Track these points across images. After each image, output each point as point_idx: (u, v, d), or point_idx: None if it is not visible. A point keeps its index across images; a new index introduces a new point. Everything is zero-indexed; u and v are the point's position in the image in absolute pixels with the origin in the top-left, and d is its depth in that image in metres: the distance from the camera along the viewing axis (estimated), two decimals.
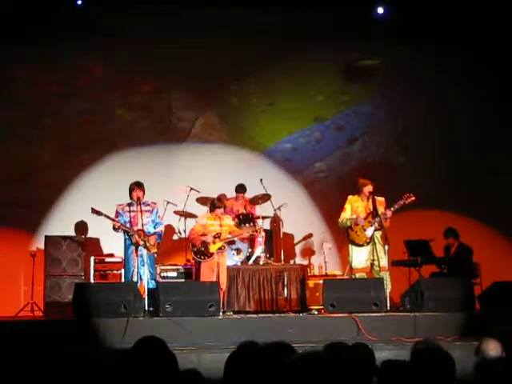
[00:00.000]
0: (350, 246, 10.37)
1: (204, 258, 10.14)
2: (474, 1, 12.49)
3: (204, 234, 10.19)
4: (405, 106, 13.41)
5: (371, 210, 10.18)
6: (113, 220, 9.68)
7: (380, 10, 12.95)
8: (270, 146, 13.22)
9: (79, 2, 12.18)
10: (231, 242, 10.72)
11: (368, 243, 10.17)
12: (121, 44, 12.51)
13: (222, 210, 10.38)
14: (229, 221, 10.55)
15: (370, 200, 10.21)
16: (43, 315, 10.76)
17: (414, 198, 10.08)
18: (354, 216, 10.23)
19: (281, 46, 12.73)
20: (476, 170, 13.09)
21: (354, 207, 10.29)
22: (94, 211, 9.59)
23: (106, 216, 9.63)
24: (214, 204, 10.36)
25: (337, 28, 12.66)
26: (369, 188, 10.23)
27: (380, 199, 10.30)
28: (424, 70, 13.22)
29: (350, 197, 10.41)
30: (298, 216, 12.68)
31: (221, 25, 12.50)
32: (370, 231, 10.15)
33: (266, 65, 12.97)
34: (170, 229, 11.80)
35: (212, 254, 10.13)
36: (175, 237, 11.95)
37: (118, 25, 12.41)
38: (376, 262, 10.13)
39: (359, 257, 10.24)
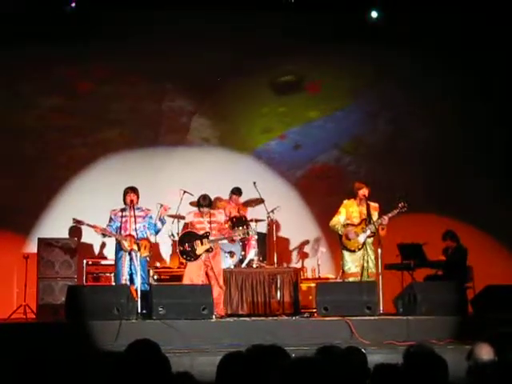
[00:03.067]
0: (342, 250, 10.36)
1: (190, 260, 10.01)
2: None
3: (194, 231, 10.03)
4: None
5: (366, 215, 10.15)
6: (93, 227, 9.68)
7: (374, 15, 12.90)
8: (259, 147, 13.29)
9: (73, 5, 12.14)
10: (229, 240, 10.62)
11: (360, 249, 10.15)
12: (113, 46, 12.51)
13: (207, 209, 10.04)
14: (220, 216, 10.25)
15: (365, 205, 10.18)
16: (36, 318, 10.73)
17: (405, 206, 10.10)
18: (348, 221, 10.22)
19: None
20: (468, 173, 13.12)
21: (349, 212, 10.26)
22: (76, 221, 9.67)
23: (87, 225, 9.67)
24: (199, 203, 10.09)
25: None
26: (363, 191, 10.20)
27: (374, 205, 10.27)
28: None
29: (345, 201, 10.37)
30: (290, 219, 12.70)
31: (213, 27, 12.56)
32: (362, 237, 10.13)
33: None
34: (163, 232, 11.80)
35: (198, 256, 9.96)
36: (168, 240, 11.93)
37: (112, 26, 12.41)
38: (366, 268, 10.15)
39: (350, 262, 10.24)
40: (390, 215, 10.10)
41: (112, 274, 10.83)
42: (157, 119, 13.03)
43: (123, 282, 9.63)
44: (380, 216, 10.13)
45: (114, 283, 10.25)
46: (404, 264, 11.28)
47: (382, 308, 9.95)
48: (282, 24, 12.70)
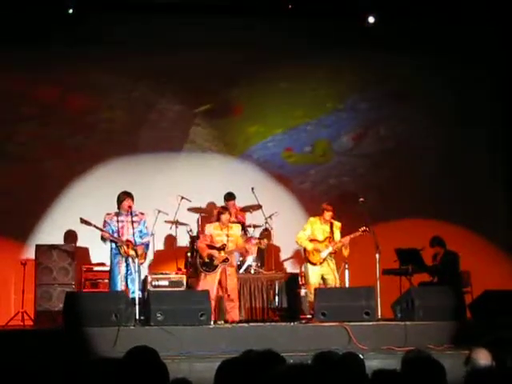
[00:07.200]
0: (305, 263, 10.66)
1: (209, 271, 10.05)
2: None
3: (212, 243, 10.13)
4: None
5: (329, 233, 10.56)
6: (102, 230, 9.66)
7: (371, 20, 12.82)
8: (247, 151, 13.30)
9: (70, 11, 12.14)
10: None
11: (321, 263, 10.48)
12: (112, 51, 12.52)
13: (228, 216, 10.20)
14: (237, 230, 10.35)
15: (329, 224, 10.61)
16: (34, 324, 10.72)
17: (367, 230, 10.49)
18: (312, 237, 10.56)
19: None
20: (465, 177, 13.12)
21: (313, 229, 10.64)
22: (83, 221, 9.60)
23: (94, 226, 9.62)
24: (220, 212, 10.25)
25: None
26: (330, 214, 10.57)
27: (337, 224, 10.72)
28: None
29: (311, 218, 10.82)
30: (289, 224, 12.70)
31: (212, 34, 12.59)
32: (324, 253, 10.49)
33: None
34: (161, 238, 11.81)
35: (216, 267, 10.00)
36: (168, 245, 11.94)
37: (112, 31, 12.44)
38: (328, 281, 10.46)
39: (311, 274, 10.51)
40: (351, 236, 10.52)
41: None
42: (155, 125, 13.01)
43: (121, 287, 9.63)
44: (344, 237, 10.56)
45: (109, 289, 10.21)
46: (402, 269, 11.28)
47: (380, 313, 9.94)
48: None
